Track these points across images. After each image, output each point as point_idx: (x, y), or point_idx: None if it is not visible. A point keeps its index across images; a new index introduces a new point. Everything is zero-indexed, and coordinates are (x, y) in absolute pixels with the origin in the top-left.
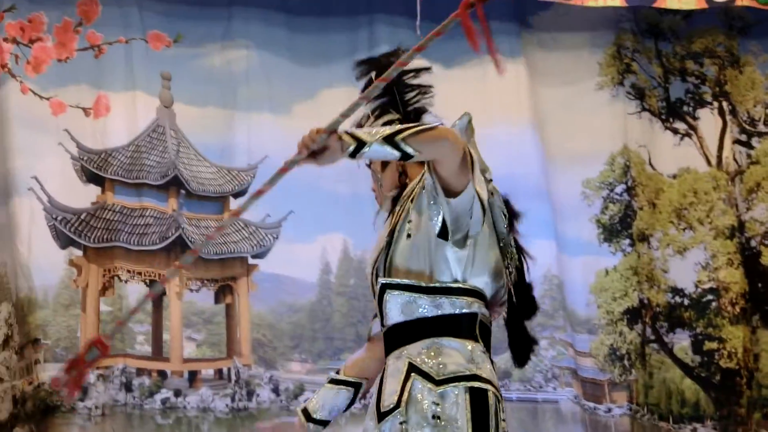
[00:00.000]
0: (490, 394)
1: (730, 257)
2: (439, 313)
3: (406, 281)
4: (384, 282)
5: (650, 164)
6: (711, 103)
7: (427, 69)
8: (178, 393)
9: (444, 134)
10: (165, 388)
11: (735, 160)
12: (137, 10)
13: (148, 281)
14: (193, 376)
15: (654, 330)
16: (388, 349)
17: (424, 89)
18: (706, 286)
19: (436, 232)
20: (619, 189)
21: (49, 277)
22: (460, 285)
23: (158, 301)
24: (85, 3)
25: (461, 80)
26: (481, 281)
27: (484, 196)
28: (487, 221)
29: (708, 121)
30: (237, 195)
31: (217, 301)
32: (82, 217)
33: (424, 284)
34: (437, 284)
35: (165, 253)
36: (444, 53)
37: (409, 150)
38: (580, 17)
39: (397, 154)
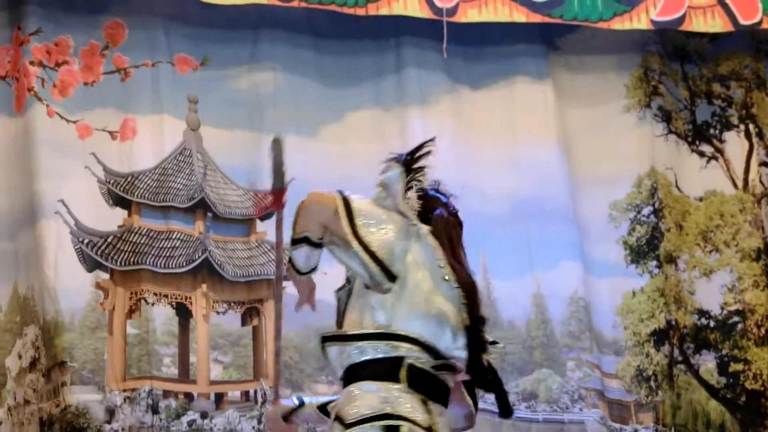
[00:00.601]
0: (403, 429)
1: (756, 279)
2: (363, 358)
3: (338, 332)
4: (322, 336)
5: (677, 186)
6: (737, 126)
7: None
8: (204, 415)
9: (304, 206)
10: (191, 410)
11: (761, 182)
12: (163, 33)
13: (174, 304)
14: (219, 398)
15: (681, 351)
16: None
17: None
18: (732, 308)
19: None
20: (646, 211)
21: (76, 300)
22: (383, 330)
23: (185, 324)
24: (111, 26)
25: (488, 102)
26: (414, 326)
27: (373, 245)
28: (418, 268)
29: (734, 143)
30: (264, 218)
31: (243, 323)
32: (109, 240)
33: (350, 332)
34: (362, 331)
35: (191, 276)
36: (471, 75)
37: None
38: (607, 40)
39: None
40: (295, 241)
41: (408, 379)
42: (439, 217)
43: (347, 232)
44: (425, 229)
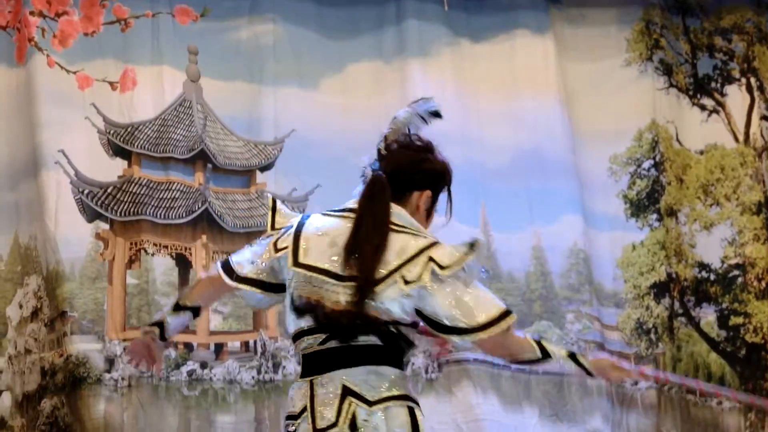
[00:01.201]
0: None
1: (757, 233)
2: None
3: None
4: None
5: (677, 140)
6: (739, 80)
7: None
8: (204, 365)
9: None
10: (191, 360)
11: (762, 136)
12: None
13: (174, 254)
14: (219, 349)
15: (682, 304)
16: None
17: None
18: (733, 261)
19: None
20: (646, 164)
21: (76, 250)
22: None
23: (185, 274)
24: None
25: (489, 55)
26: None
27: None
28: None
29: (736, 97)
30: (264, 169)
31: None
32: (109, 190)
33: None
34: None
35: (191, 227)
36: (471, 28)
37: None
38: None
39: None
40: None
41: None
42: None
43: None
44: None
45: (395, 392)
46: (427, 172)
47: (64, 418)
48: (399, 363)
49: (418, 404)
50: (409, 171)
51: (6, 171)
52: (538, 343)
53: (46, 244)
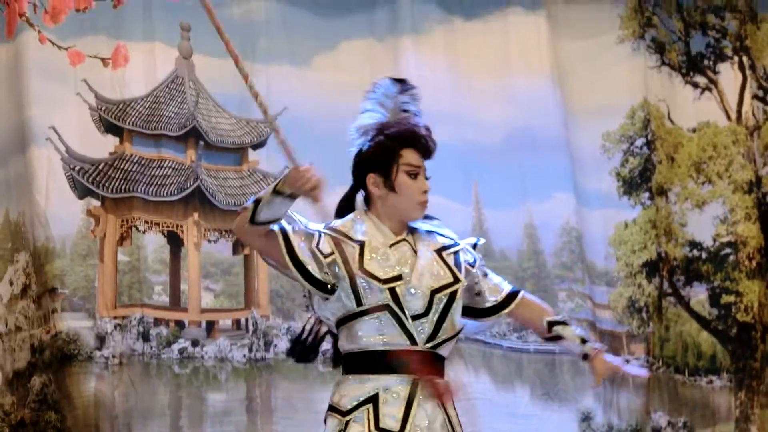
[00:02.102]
0: None
1: (748, 211)
2: None
3: None
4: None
5: (669, 118)
6: (731, 58)
7: None
8: (195, 343)
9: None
10: (182, 338)
11: (754, 115)
12: None
13: (165, 232)
14: (210, 327)
15: (671, 283)
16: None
17: None
18: (724, 240)
19: None
20: (638, 142)
21: (67, 227)
22: None
23: (176, 252)
24: None
25: (481, 33)
26: None
27: None
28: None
29: (728, 75)
30: (256, 146)
31: (235, 251)
32: (100, 167)
33: None
34: None
35: (183, 204)
36: (464, 6)
37: None
38: None
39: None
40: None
41: None
42: None
43: None
44: None
45: None
46: (356, 164)
47: (52, 395)
48: None
49: None
50: (353, 173)
51: None
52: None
53: (34, 220)
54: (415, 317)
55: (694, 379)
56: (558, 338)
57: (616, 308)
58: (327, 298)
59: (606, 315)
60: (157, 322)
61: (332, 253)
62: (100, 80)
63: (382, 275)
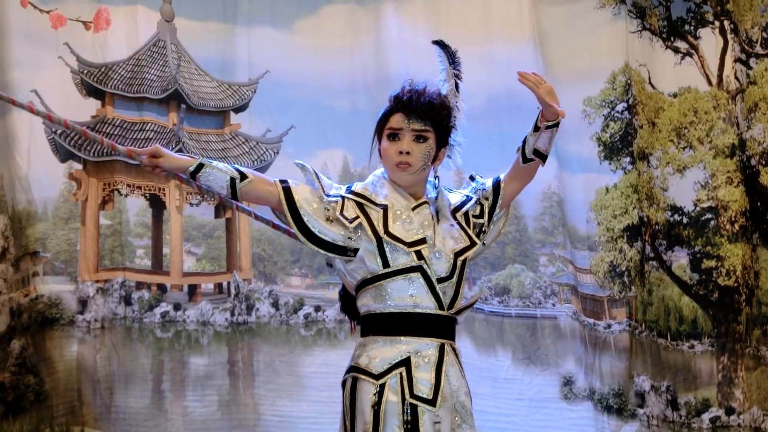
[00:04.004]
0: None
1: (730, 176)
2: None
3: None
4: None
5: (650, 83)
6: (712, 23)
7: None
8: (177, 307)
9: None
10: (164, 302)
11: (736, 78)
12: None
13: (147, 195)
14: (192, 290)
15: (653, 247)
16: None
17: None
18: (705, 204)
19: None
20: (619, 107)
21: (49, 190)
22: None
23: (158, 215)
24: None
25: None
26: None
27: None
28: None
29: (709, 40)
30: (238, 110)
31: (217, 215)
32: None
33: None
34: None
35: None
36: None
37: None
38: None
39: None
40: None
41: None
42: None
43: None
44: None
45: None
46: None
47: (30, 359)
48: None
49: None
50: None
51: None
52: None
53: (15, 184)
54: (439, 280)
55: (676, 344)
56: (525, 146)
57: (597, 273)
58: (350, 260)
59: (587, 279)
60: (139, 285)
61: (357, 218)
62: (81, 43)
63: (407, 238)
